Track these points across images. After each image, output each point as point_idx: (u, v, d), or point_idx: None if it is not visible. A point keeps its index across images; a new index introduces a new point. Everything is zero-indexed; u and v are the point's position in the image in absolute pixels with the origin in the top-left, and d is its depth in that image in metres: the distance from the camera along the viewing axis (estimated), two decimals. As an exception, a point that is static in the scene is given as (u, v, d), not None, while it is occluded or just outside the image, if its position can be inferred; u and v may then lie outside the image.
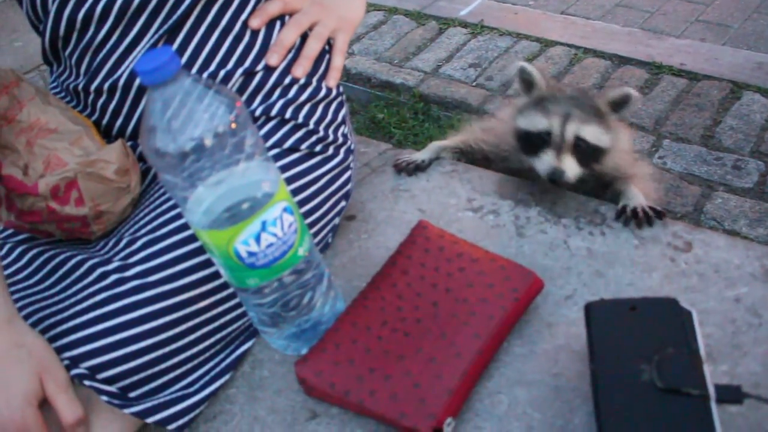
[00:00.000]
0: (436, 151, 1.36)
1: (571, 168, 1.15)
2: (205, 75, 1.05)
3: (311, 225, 1.09)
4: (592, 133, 1.14)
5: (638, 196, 1.19)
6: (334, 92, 1.19)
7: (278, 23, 1.12)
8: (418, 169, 1.32)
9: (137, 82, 1.03)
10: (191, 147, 0.78)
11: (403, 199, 1.26)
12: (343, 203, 1.17)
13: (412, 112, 2.81)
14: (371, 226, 1.21)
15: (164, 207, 1.01)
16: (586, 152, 1.15)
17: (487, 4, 3.54)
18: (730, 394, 0.77)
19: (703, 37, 3.14)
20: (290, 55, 1.13)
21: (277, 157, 1.07)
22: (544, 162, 1.15)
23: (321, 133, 1.12)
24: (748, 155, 2.43)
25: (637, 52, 3.00)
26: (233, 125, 0.80)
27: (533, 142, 1.18)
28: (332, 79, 1.18)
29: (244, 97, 1.09)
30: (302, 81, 1.13)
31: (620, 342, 0.81)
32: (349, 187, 1.18)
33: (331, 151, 1.13)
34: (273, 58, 1.09)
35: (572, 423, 0.87)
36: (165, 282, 0.93)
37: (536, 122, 1.16)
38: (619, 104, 1.17)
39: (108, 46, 1.04)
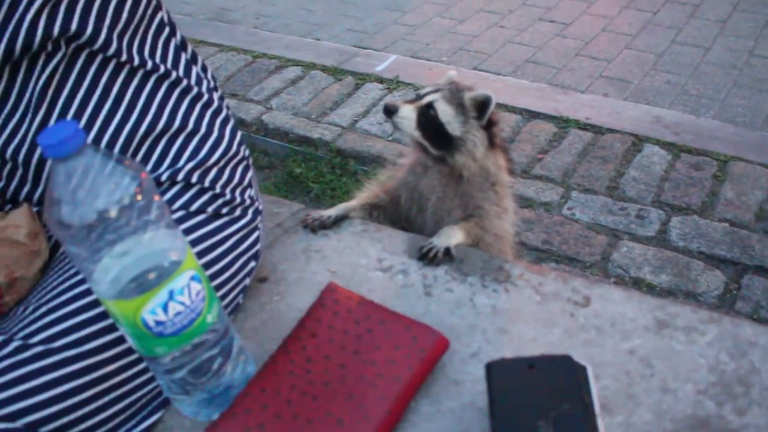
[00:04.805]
0: (344, 210, 1.38)
1: (407, 111, 1.28)
2: (106, 138, 1.04)
3: (220, 286, 1.09)
4: (443, 109, 1.28)
5: (447, 236, 1.28)
6: (242, 154, 1.20)
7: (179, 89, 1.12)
8: (323, 226, 1.35)
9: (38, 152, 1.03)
10: (95, 219, 0.78)
11: (314, 260, 1.27)
12: (252, 264, 1.17)
13: (330, 167, 2.85)
14: (283, 287, 1.22)
15: (70, 272, 1.00)
16: (430, 120, 1.28)
17: (402, 60, 3.65)
18: (623, 446, 0.82)
19: (606, 92, 3.32)
20: (195, 115, 1.13)
21: (182, 220, 1.07)
22: (394, 101, 1.31)
23: (227, 196, 1.13)
24: (650, 205, 2.56)
25: (546, 106, 3.14)
26: (138, 196, 0.80)
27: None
28: None
29: (152, 161, 1.09)
30: (214, 137, 1.13)
31: (519, 400, 0.84)
32: (257, 247, 1.19)
33: (237, 212, 1.14)
34: None
35: (477, 481, 0.89)
36: (70, 347, 0.92)
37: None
38: (480, 107, 1.28)
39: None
